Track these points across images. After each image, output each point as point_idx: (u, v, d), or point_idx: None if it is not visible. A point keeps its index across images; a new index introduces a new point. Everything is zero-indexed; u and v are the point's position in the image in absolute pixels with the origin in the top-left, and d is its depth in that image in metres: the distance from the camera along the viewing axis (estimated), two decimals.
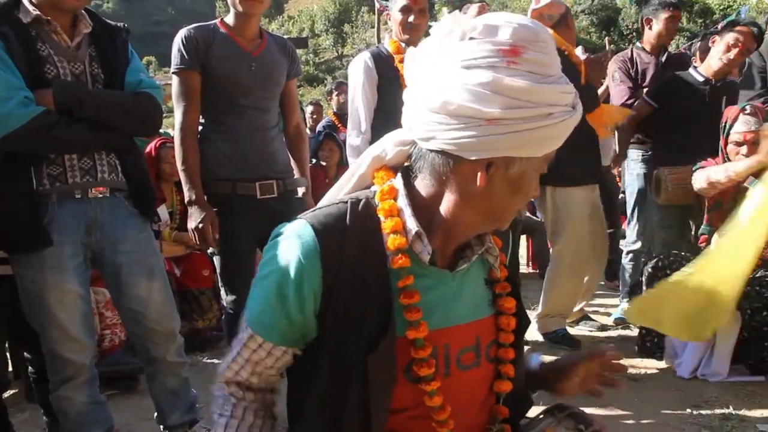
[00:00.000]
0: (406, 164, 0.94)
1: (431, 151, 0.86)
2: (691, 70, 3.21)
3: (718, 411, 2.21)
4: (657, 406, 2.30)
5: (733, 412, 2.19)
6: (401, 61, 2.31)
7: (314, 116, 5.24)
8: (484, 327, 0.97)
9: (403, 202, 0.89)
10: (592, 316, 3.43)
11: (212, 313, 3.05)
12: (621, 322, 3.34)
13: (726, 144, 2.61)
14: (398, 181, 0.91)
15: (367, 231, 0.88)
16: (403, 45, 2.42)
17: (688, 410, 2.24)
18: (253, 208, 1.99)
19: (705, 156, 2.89)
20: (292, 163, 2.22)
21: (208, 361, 2.93)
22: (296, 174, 2.20)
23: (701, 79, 3.11)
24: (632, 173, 3.45)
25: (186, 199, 1.93)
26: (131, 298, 1.74)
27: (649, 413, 2.24)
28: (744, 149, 2.52)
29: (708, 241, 2.63)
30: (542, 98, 0.79)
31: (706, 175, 2.55)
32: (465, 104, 0.79)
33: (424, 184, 0.90)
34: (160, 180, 3.13)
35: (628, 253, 3.52)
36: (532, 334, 3.13)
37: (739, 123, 2.55)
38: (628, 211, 3.52)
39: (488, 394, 0.99)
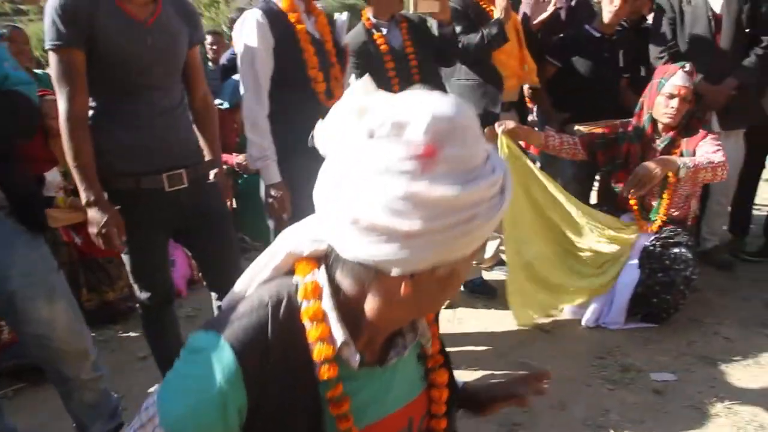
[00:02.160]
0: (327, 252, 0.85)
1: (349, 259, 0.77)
2: (586, 26, 3.21)
3: (619, 362, 2.42)
4: (565, 359, 2.48)
5: (632, 362, 2.42)
6: (297, 20, 2.05)
7: (215, 47, 4.69)
8: (417, 405, 0.96)
9: (327, 304, 0.81)
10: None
11: (122, 282, 2.85)
12: None
13: (655, 96, 2.65)
14: (322, 276, 0.83)
15: (292, 341, 0.81)
16: (297, 0, 2.11)
17: (594, 362, 2.45)
18: (162, 202, 1.81)
19: (609, 111, 2.97)
20: (201, 141, 2.02)
21: (123, 335, 2.80)
22: (206, 154, 2.01)
23: (597, 35, 3.13)
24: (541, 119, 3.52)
25: (83, 201, 1.70)
26: (33, 324, 1.57)
27: (558, 367, 2.41)
28: (675, 102, 2.59)
29: (625, 202, 2.76)
30: (467, 201, 0.69)
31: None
32: (377, 221, 0.69)
33: (347, 283, 0.81)
34: (48, 137, 2.77)
35: None
36: None
37: (676, 77, 2.60)
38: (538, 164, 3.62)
39: None
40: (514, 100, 3.07)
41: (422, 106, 0.70)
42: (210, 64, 4.33)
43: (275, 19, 2.01)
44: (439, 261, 0.73)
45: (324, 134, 0.81)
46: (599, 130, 2.86)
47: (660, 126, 2.67)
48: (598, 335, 2.66)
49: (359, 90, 0.80)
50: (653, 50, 3.24)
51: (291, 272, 0.86)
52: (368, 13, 2.63)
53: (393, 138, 0.69)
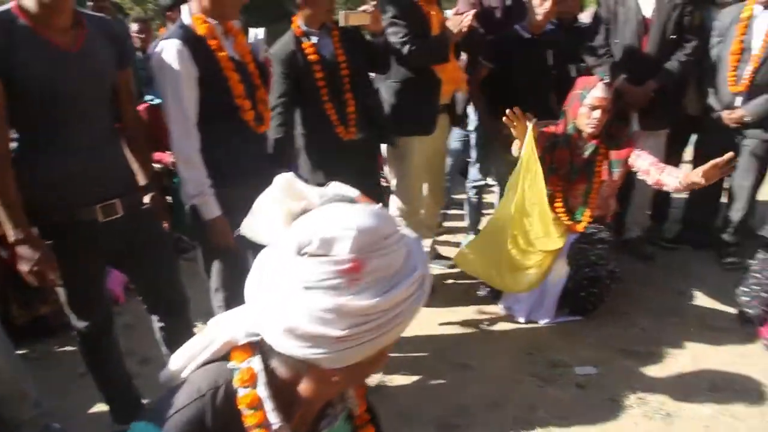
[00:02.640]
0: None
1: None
2: (517, 27, 3.27)
3: (547, 358, 2.60)
4: (499, 356, 2.64)
5: (559, 358, 2.59)
6: (218, 47, 1.95)
7: (143, 35, 4.40)
8: None
9: (263, 392, 0.86)
10: (445, 253, 3.70)
11: (56, 294, 2.77)
12: None
13: (578, 107, 2.78)
14: (257, 363, 0.87)
15: (230, 426, 0.85)
16: (214, 23, 1.97)
17: (524, 358, 2.61)
18: (96, 233, 1.78)
19: (539, 111, 3.08)
20: (134, 165, 1.98)
21: (59, 349, 2.75)
22: (140, 178, 1.98)
23: (527, 35, 3.22)
24: (476, 120, 3.61)
25: (11, 240, 1.66)
26: None
27: (492, 365, 2.57)
28: (597, 113, 2.72)
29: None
30: (390, 305, 0.76)
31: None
32: (309, 330, 0.75)
33: (281, 370, 0.87)
34: None
35: (472, 188, 3.79)
36: None
37: (597, 89, 2.73)
38: (473, 153, 3.72)
39: None
40: (447, 103, 3.13)
41: (347, 221, 0.75)
42: (139, 53, 4.13)
43: (196, 47, 1.90)
44: (368, 353, 0.79)
45: (253, 228, 0.84)
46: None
47: (584, 134, 2.81)
48: (529, 331, 2.83)
49: (283, 186, 0.84)
50: (589, 60, 3.38)
51: (227, 356, 0.91)
52: (299, 21, 2.56)
53: (320, 255, 0.74)
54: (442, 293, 3.21)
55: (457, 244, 3.89)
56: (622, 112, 3.30)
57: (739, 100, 3.25)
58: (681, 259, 3.65)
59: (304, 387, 0.86)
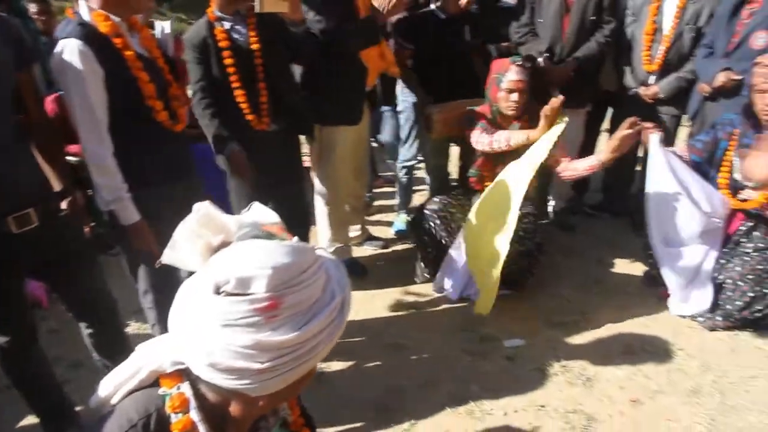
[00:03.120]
0: None
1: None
2: (432, 6, 3.31)
3: (478, 333, 2.71)
4: (432, 334, 2.73)
5: (489, 332, 2.72)
6: (124, 45, 1.84)
7: (43, 18, 3.95)
8: None
9: (196, 416, 0.88)
10: (376, 233, 3.76)
11: None
12: (400, 235, 3.73)
13: (497, 91, 2.85)
14: (187, 389, 0.90)
15: None
16: (117, 19, 1.86)
17: (457, 335, 2.72)
18: (11, 245, 1.70)
19: (465, 87, 3.14)
20: (47, 170, 1.89)
21: None
22: (55, 184, 1.89)
23: (443, 16, 3.27)
24: (405, 101, 3.64)
25: None
26: None
27: (426, 343, 2.66)
28: (515, 96, 2.80)
29: (476, 183, 2.98)
30: (309, 337, 0.79)
31: (488, 141, 2.79)
32: (231, 365, 0.77)
33: (211, 395, 0.90)
34: None
35: (402, 168, 3.84)
36: None
37: (510, 72, 2.79)
38: (403, 133, 3.76)
39: None
40: (370, 90, 3.14)
41: (263, 260, 0.77)
42: (42, 37, 3.84)
43: (100, 46, 1.79)
44: (292, 379, 0.82)
45: (173, 259, 0.85)
46: (455, 111, 3.04)
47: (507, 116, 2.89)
48: (461, 309, 2.94)
49: (201, 218, 0.84)
50: (512, 29, 3.46)
51: (155, 383, 0.92)
52: (213, 6, 2.49)
53: (237, 294, 0.76)
54: (374, 275, 3.28)
55: (389, 223, 3.97)
56: (544, 89, 3.41)
57: (652, 78, 3.42)
58: (602, 227, 3.86)
59: (233, 409, 0.89)
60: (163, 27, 2.82)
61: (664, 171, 2.66)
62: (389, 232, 3.84)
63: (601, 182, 4.13)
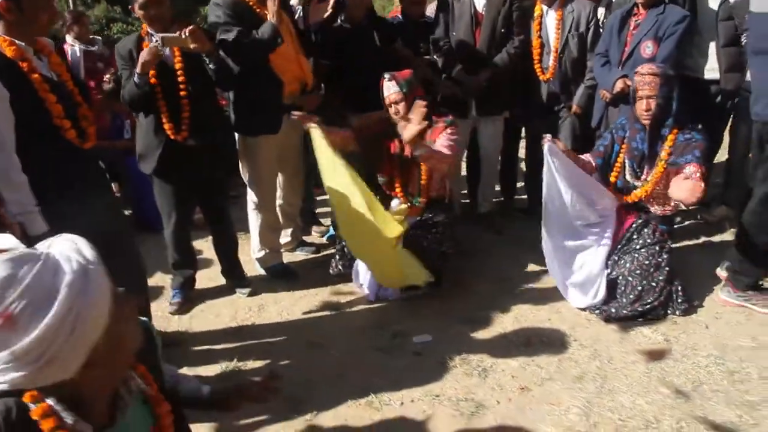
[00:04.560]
0: None
1: None
2: (340, 20, 3.50)
3: (390, 331, 2.88)
4: (348, 332, 2.90)
5: (401, 329, 2.89)
6: (30, 68, 1.99)
7: None
8: None
9: (51, 401, 0.99)
10: (309, 240, 3.92)
11: None
12: (332, 241, 3.90)
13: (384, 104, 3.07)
14: None
15: None
16: (22, 45, 1.99)
17: (370, 333, 2.88)
18: None
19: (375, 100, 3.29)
20: None
21: None
22: None
23: (348, 26, 3.45)
24: None
25: None
26: None
27: (340, 341, 2.82)
28: (393, 108, 3.00)
29: (387, 188, 3.18)
30: (60, 317, 0.86)
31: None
32: (14, 376, 0.87)
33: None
34: None
35: None
36: (257, 269, 3.53)
37: (385, 89, 2.99)
38: None
39: None
40: (292, 102, 3.27)
41: None
42: None
43: (5, 69, 1.92)
44: (83, 358, 0.93)
45: None
46: (372, 121, 3.21)
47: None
48: (378, 308, 3.11)
49: None
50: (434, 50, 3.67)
51: None
52: (146, 23, 2.74)
53: None
54: (304, 278, 3.44)
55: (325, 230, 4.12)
56: (460, 99, 3.62)
57: (545, 87, 3.66)
58: (526, 228, 4.04)
59: (81, 388, 1.01)
60: (75, 50, 2.97)
61: (551, 175, 2.85)
62: (323, 239, 4.01)
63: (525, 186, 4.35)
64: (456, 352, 2.68)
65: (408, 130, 2.80)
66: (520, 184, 4.49)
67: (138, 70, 2.60)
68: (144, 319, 1.29)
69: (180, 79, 2.72)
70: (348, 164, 2.82)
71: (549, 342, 2.75)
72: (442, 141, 2.99)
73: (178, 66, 2.72)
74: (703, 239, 3.76)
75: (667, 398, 2.33)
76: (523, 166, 4.59)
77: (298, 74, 3.20)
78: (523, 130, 4.20)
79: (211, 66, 2.75)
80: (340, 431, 2.26)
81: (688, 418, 2.21)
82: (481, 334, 2.84)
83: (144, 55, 2.57)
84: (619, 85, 3.22)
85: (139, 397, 1.19)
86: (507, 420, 2.25)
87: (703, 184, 2.67)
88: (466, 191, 4.42)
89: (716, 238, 3.71)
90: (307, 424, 2.29)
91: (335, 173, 2.81)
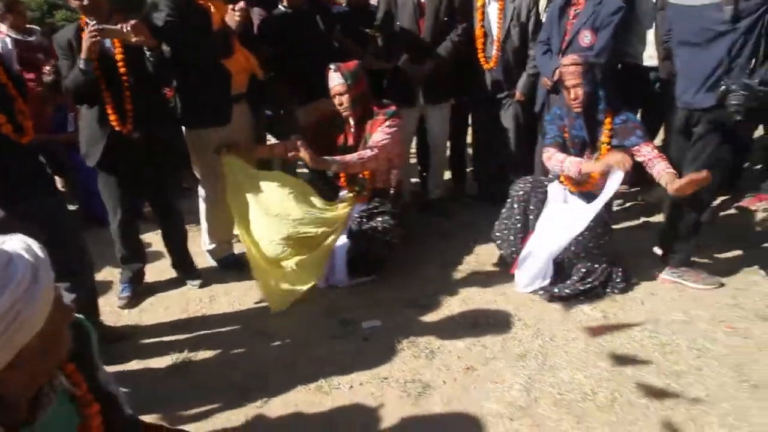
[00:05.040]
0: None
1: None
2: (280, 5, 3.50)
3: (340, 317, 2.93)
4: (299, 321, 2.93)
5: (350, 316, 2.94)
6: None
7: None
8: None
9: None
10: None
11: None
12: None
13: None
14: None
15: None
16: None
17: (321, 320, 2.92)
18: None
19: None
20: None
21: None
22: None
23: (289, 10, 3.45)
24: None
25: None
26: None
27: (291, 329, 2.86)
28: (338, 99, 3.02)
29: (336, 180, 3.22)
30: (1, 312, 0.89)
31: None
32: None
33: None
34: None
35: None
36: (208, 261, 3.52)
37: (330, 80, 3.00)
38: None
39: None
40: (243, 92, 3.27)
41: None
42: None
43: None
44: (9, 358, 0.93)
45: None
46: (318, 115, 3.23)
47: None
48: (329, 296, 3.15)
49: None
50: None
51: None
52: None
53: None
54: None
55: None
56: (407, 88, 3.66)
57: (489, 76, 3.74)
58: (477, 215, 4.14)
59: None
60: (5, 42, 2.89)
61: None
62: None
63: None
64: (404, 336, 2.74)
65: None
66: (469, 170, 4.59)
67: (83, 55, 2.55)
68: (79, 315, 1.28)
69: (121, 70, 2.67)
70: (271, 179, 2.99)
71: (494, 323, 2.84)
72: (377, 136, 3.04)
73: (119, 57, 2.67)
74: (642, 220, 3.94)
75: (603, 371, 2.45)
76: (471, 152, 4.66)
77: (245, 65, 3.18)
78: (471, 117, 4.26)
79: (151, 60, 2.71)
80: (290, 417, 2.29)
81: (621, 388, 2.33)
82: (429, 318, 2.92)
83: (87, 40, 2.52)
84: (558, 73, 3.32)
85: (65, 395, 1.18)
86: (452, 399, 2.33)
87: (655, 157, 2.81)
88: (417, 179, 4.49)
89: (654, 219, 3.88)
90: (257, 411, 2.31)
91: (242, 200, 2.97)
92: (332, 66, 2.99)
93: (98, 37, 2.52)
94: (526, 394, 2.33)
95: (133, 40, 2.55)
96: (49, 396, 1.13)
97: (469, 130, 4.37)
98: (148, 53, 2.70)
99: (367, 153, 2.98)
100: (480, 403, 2.30)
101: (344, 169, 2.95)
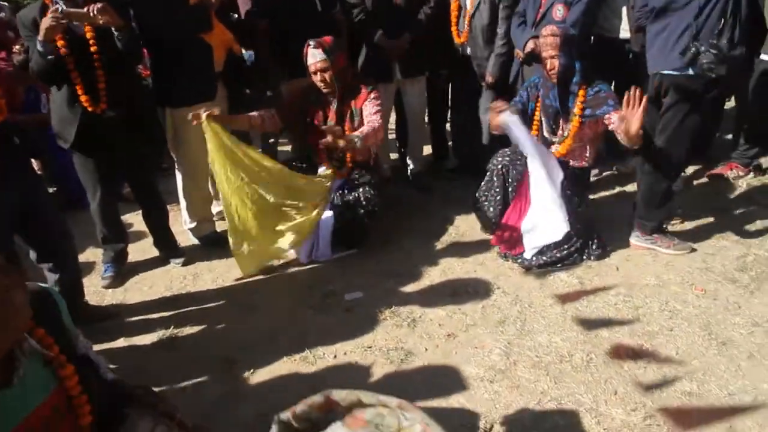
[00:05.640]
0: None
1: None
2: None
3: (322, 290, 2.98)
4: (282, 294, 2.98)
5: (332, 288, 2.98)
6: None
7: None
8: (56, 397, 1.25)
9: None
10: None
11: None
12: None
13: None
14: None
15: None
16: None
17: (303, 293, 2.97)
18: None
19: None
20: None
21: None
22: None
23: None
24: None
25: None
26: None
27: (274, 303, 2.90)
28: (318, 76, 2.99)
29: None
30: None
31: None
32: None
33: None
34: None
35: None
36: (191, 239, 3.54)
37: (309, 56, 2.96)
38: None
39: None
40: (220, 70, 3.25)
41: None
42: None
43: None
44: None
45: None
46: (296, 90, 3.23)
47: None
48: (312, 269, 3.20)
49: None
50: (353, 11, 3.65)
51: None
52: None
53: None
54: None
55: None
56: (385, 64, 3.67)
57: (460, 49, 3.78)
58: (457, 189, 4.19)
59: None
60: None
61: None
62: None
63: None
64: (386, 306, 2.80)
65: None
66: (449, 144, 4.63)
67: (41, 37, 2.50)
68: (44, 285, 1.33)
69: (92, 48, 2.64)
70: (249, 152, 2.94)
71: (474, 291, 2.91)
72: (369, 109, 3.05)
73: (89, 35, 2.63)
74: (617, 189, 4.03)
75: (579, 334, 2.53)
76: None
77: (223, 39, 3.17)
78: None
79: (120, 39, 2.68)
80: (277, 386, 2.34)
81: (596, 350, 2.42)
82: (410, 288, 2.98)
83: (46, 22, 2.46)
84: (529, 45, 3.36)
85: (40, 359, 1.22)
86: (435, 364, 2.40)
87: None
88: (396, 154, 4.52)
89: (629, 188, 3.97)
90: (243, 382, 2.36)
91: (227, 169, 2.89)
92: (311, 42, 2.96)
93: (62, 21, 2.47)
94: (506, 357, 2.41)
95: (100, 21, 2.51)
96: (20, 360, 1.17)
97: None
98: (116, 33, 2.66)
99: (375, 123, 2.99)
100: (461, 368, 2.37)
101: (364, 142, 2.93)
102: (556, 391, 2.20)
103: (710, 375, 2.25)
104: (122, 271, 3.23)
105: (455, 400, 2.20)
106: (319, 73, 2.98)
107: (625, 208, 3.52)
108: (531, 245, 3.06)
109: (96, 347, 2.62)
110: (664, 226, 3.21)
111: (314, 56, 2.95)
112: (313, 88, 3.11)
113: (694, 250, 3.14)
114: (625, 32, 3.89)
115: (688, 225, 3.44)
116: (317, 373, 2.41)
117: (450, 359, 2.43)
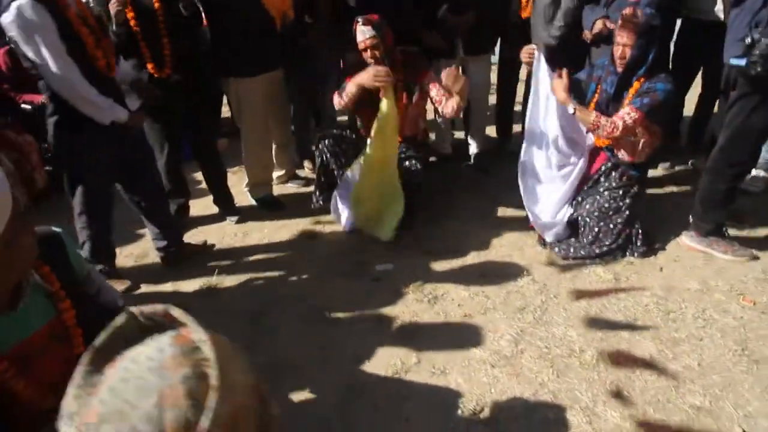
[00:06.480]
0: None
1: None
2: None
3: (355, 258, 3.09)
4: (317, 259, 3.13)
5: (365, 258, 3.09)
6: (64, 6, 2.27)
7: None
8: (54, 325, 1.45)
9: None
10: (302, 173, 4.14)
11: None
12: None
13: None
14: None
15: None
16: None
17: (335, 259, 3.10)
18: None
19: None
20: None
21: None
22: None
23: None
24: None
25: None
26: None
27: (309, 266, 3.06)
28: (368, 53, 3.02)
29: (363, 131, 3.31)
30: None
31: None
32: None
33: None
34: None
35: None
36: (249, 200, 3.79)
37: (358, 33, 2.98)
38: None
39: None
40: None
41: None
42: None
43: (48, 5, 2.20)
44: None
45: None
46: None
47: None
48: (351, 239, 3.31)
49: None
50: None
51: None
52: None
53: None
54: (290, 209, 3.67)
55: None
56: (447, 41, 3.64)
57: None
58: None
59: None
60: None
61: (535, 91, 2.94)
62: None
63: None
64: (413, 280, 2.86)
65: (450, 104, 3.01)
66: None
67: (114, 24, 2.79)
68: (56, 229, 1.50)
69: (160, 18, 2.88)
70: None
71: (503, 275, 2.89)
72: (436, 90, 3.09)
73: (156, 5, 2.87)
74: (688, 187, 3.75)
75: (597, 332, 2.46)
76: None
77: (279, 4, 3.29)
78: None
79: (183, 10, 2.91)
80: (293, 340, 2.50)
81: (611, 349, 2.35)
82: (441, 266, 3.01)
83: (112, 8, 2.74)
84: (598, 26, 3.18)
85: (43, 291, 1.40)
86: (443, 343, 2.44)
87: (621, 125, 2.72)
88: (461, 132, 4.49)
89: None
90: (261, 334, 2.55)
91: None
92: (360, 19, 2.98)
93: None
94: (514, 344, 2.40)
95: None
96: (26, 290, 1.35)
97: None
98: (181, 4, 2.89)
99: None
100: (468, 349, 2.40)
101: (458, 105, 3.05)
102: (555, 385, 2.18)
103: (729, 392, 2.12)
104: (183, 223, 3.53)
105: (453, 380, 2.24)
106: (369, 50, 3.01)
107: (688, 205, 3.29)
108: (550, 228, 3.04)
109: (145, 288, 2.95)
110: (724, 229, 2.98)
111: (363, 33, 2.98)
112: (362, 64, 3.16)
113: (756, 258, 2.90)
114: (720, 14, 3.57)
115: (760, 231, 3.16)
116: (331, 334, 2.53)
117: (459, 339, 2.46)
